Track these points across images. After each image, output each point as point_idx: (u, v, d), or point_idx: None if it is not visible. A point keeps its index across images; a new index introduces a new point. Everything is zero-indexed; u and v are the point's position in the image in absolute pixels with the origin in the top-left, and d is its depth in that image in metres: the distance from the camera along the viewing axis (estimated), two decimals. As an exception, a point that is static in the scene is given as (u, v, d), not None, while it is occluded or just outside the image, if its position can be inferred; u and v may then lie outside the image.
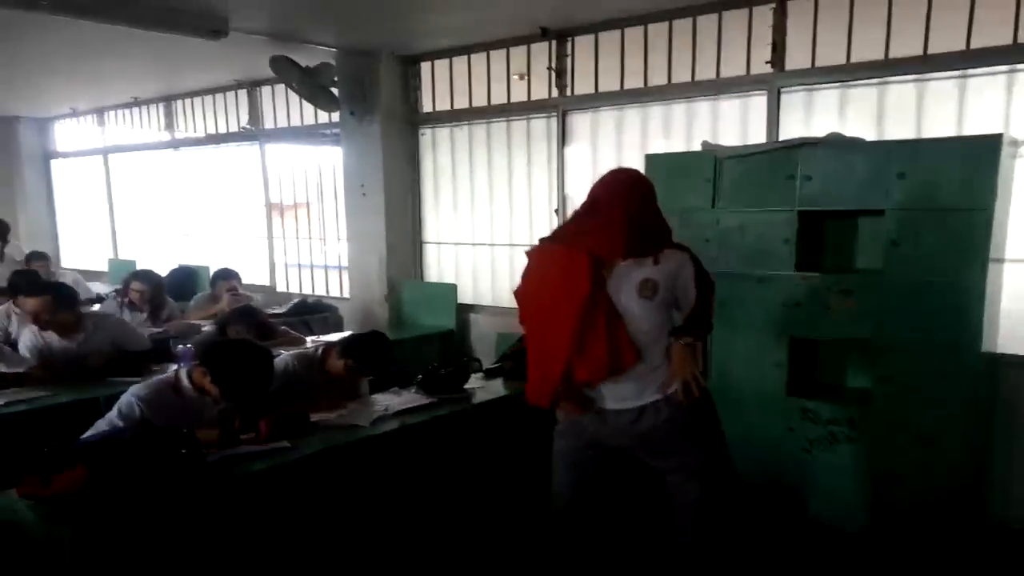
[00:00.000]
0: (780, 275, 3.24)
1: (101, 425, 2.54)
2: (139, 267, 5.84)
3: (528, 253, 2.38)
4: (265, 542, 2.45)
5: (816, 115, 3.79)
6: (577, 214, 2.36)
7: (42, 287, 3.69)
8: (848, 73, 3.64)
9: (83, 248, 8.97)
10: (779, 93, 3.85)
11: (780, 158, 3.22)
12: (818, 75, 3.73)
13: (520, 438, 3.26)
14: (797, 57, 3.78)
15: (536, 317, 2.32)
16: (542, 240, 2.40)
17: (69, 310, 3.52)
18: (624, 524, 2.73)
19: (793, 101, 3.85)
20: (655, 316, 2.23)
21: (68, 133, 8.93)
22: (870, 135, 3.50)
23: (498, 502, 3.19)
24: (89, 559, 2.08)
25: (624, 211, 2.19)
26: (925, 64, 3.43)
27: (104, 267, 8.05)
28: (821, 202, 3.14)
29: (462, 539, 3.03)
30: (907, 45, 3.45)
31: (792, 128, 3.81)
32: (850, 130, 3.47)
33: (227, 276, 5.03)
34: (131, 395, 2.60)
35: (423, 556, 2.88)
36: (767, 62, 3.84)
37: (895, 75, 3.54)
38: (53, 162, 9.11)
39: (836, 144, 3.16)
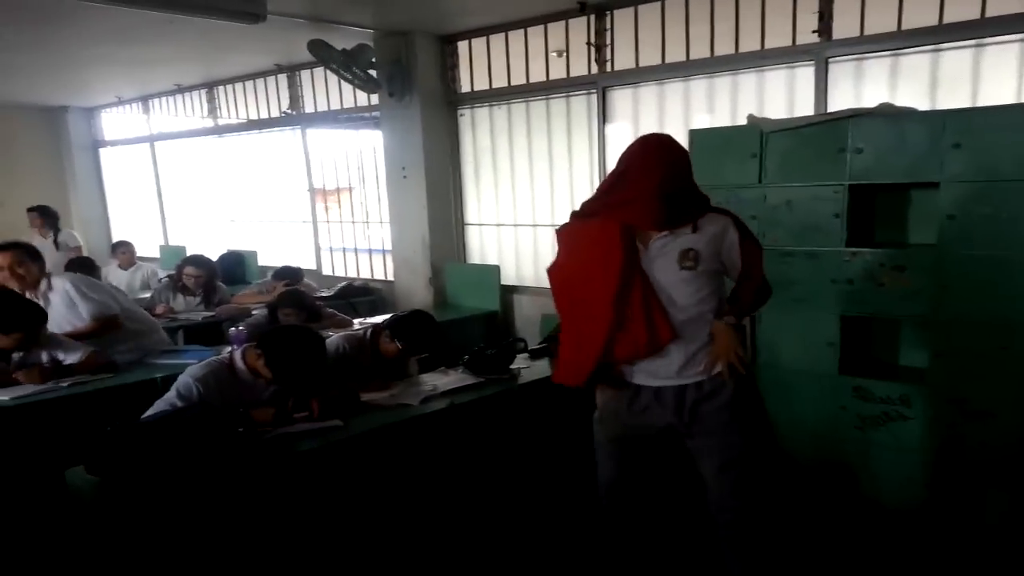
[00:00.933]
0: (830, 251, 3.17)
1: (161, 405, 2.63)
2: (189, 253, 5.98)
3: (558, 231, 2.29)
4: (318, 517, 2.52)
5: (866, 85, 3.68)
6: (606, 185, 2.24)
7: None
8: (899, 40, 3.52)
9: (134, 235, 9.20)
10: (827, 63, 3.75)
11: (829, 131, 3.13)
12: (867, 43, 3.62)
13: (566, 417, 3.28)
14: (845, 25, 3.67)
15: (571, 296, 2.24)
16: (573, 214, 2.29)
17: (27, 264, 3.57)
18: (672, 510, 2.70)
19: (842, 71, 3.74)
20: (698, 288, 2.13)
21: (115, 122, 9.15)
22: (923, 105, 3.39)
23: (544, 480, 3.22)
24: (150, 534, 2.17)
25: (656, 180, 2.06)
26: (982, 28, 3.31)
27: (155, 253, 8.27)
28: (873, 175, 3.06)
29: (510, 517, 3.07)
30: (962, 8, 3.32)
31: (841, 99, 3.71)
32: (902, 100, 3.36)
33: (287, 276, 5.05)
34: (188, 376, 2.69)
35: (471, 533, 2.93)
36: (814, 31, 3.74)
37: (949, 41, 3.41)
38: (102, 151, 9.35)
39: (888, 115, 3.06)
